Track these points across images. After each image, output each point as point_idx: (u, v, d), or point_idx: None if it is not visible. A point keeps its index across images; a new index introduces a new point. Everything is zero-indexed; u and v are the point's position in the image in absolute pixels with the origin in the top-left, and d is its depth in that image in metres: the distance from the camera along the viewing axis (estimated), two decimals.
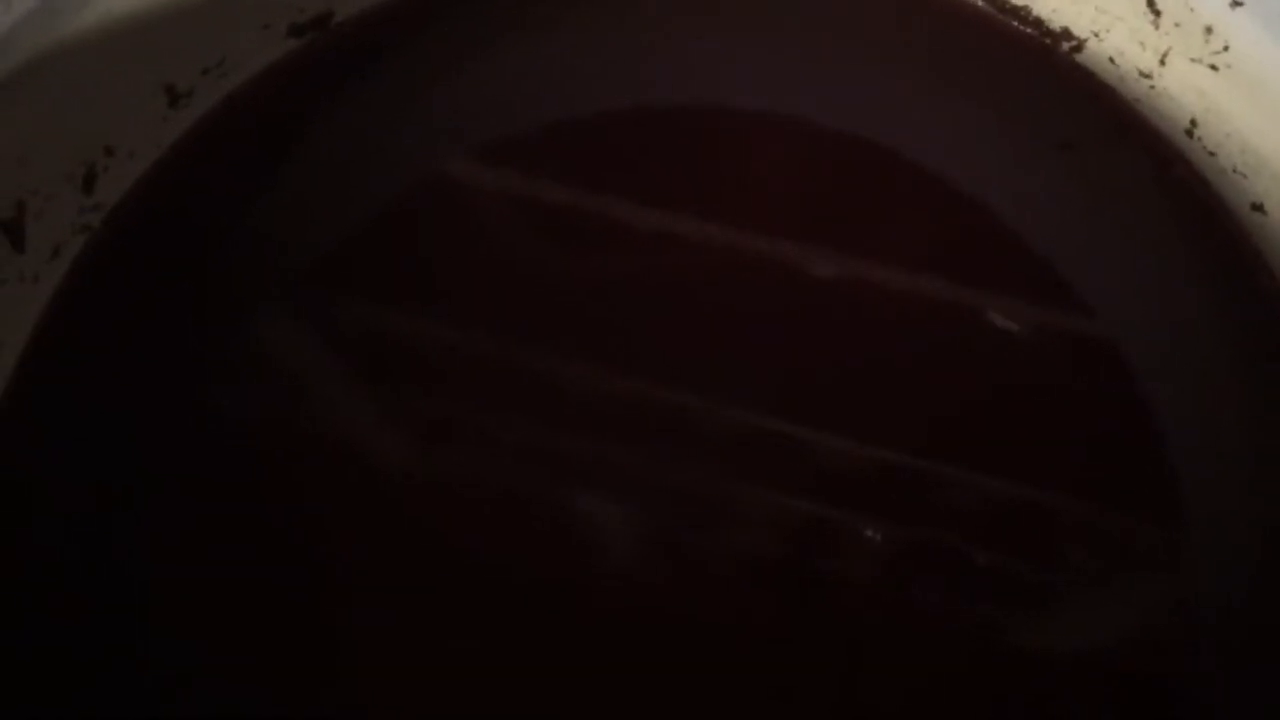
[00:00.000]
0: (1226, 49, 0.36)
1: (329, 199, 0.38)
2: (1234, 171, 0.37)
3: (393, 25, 0.38)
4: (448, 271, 0.37)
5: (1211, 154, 0.37)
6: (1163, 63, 0.38)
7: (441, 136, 0.38)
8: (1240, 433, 0.35)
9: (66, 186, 0.36)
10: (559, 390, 0.36)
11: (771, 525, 0.35)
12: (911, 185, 0.38)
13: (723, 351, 0.36)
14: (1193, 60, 0.37)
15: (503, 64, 0.39)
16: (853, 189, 0.38)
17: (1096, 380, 0.36)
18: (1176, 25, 0.37)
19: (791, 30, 0.39)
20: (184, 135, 0.37)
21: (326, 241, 0.37)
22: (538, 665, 0.33)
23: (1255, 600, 0.34)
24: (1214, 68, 0.37)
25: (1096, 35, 0.38)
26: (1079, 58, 0.39)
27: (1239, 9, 0.36)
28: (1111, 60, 0.38)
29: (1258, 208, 0.36)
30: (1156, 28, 0.37)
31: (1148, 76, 0.38)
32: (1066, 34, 0.39)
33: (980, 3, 0.39)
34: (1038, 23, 0.39)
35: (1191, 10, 0.36)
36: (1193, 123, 0.37)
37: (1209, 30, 0.36)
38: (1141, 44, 0.38)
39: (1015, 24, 0.39)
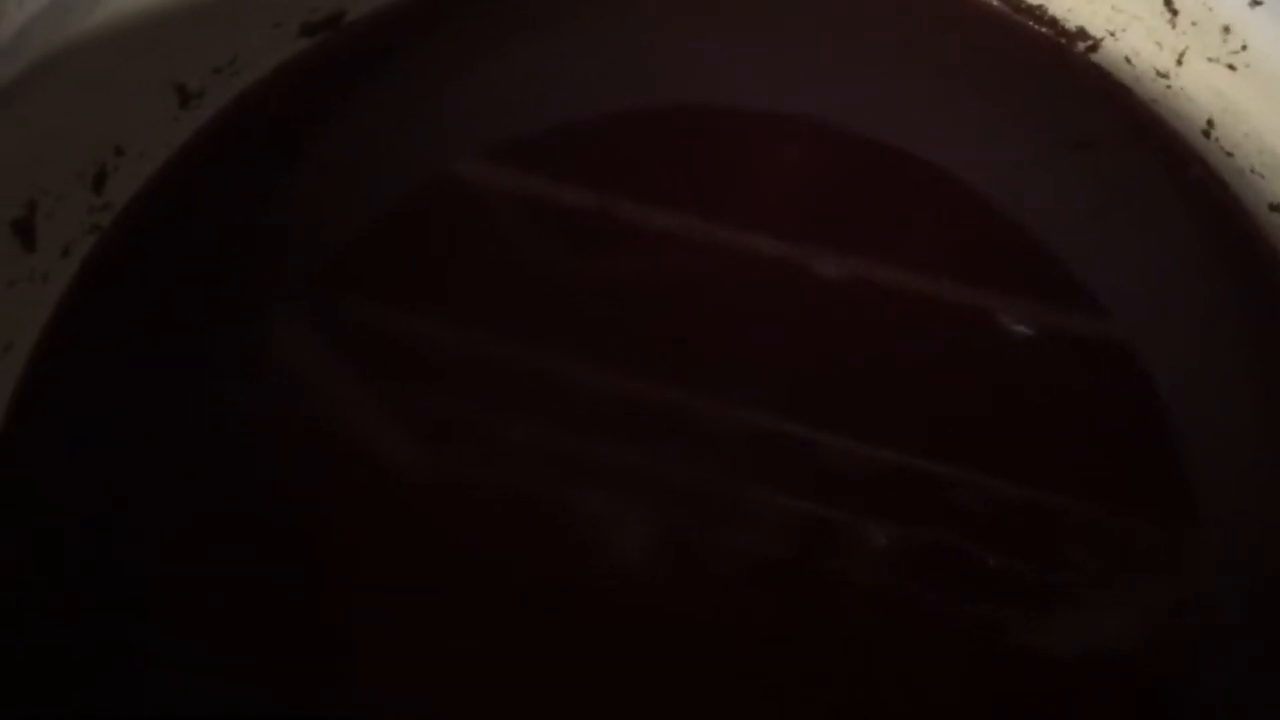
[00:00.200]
0: (1245, 48, 0.36)
1: (339, 199, 0.38)
2: (1252, 172, 0.36)
3: (404, 25, 0.38)
4: (456, 271, 0.37)
5: (1229, 154, 0.37)
6: (1180, 62, 0.37)
7: (451, 136, 0.38)
8: (1254, 434, 0.35)
9: (77, 186, 0.36)
10: (565, 390, 0.36)
11: (777, 525, 0.34)
12: (923, 185, 0.38)
13: (729, 352, 0.36)
14: (1210, 60, 0.36)
15: (513, 64, 0.39)
16: (863, 189, 0.38)
17: (1110, 382, 0.36)
18: (1194, 24, 0.36)
19: (801, 30, 0.39)
20: (195, 135, 0.37)
21: (336, 241, 0.37)
22: (540, 665, 0.33)
23: (1266, 603, 0.33)
24: (1232, 67, 0.36)
25: (1112, 34, 0.38)
26: (1094, 57, 0.38)
27: (1258, 8, 0.35)
28: (1127, 60, 0.38)
29: (1276, 208, 0.36)
30: (1173, 27, 0.37)
31: (1164, 76, 0.38)
32: (1082, 33, 0.38)
33: (995, 2, 0.39)
34: (1053, 22, 0.39)
35: (1209, 9, 0.36)
36: (1210, 123, 0.37)
37: (1227, 29, 0.36)
38: (1158, 43, 0.37)
39: (1030, 23, 0.39)
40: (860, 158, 0.38)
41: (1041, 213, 0.37)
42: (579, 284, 0.37)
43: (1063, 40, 0.39)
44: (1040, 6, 0.39)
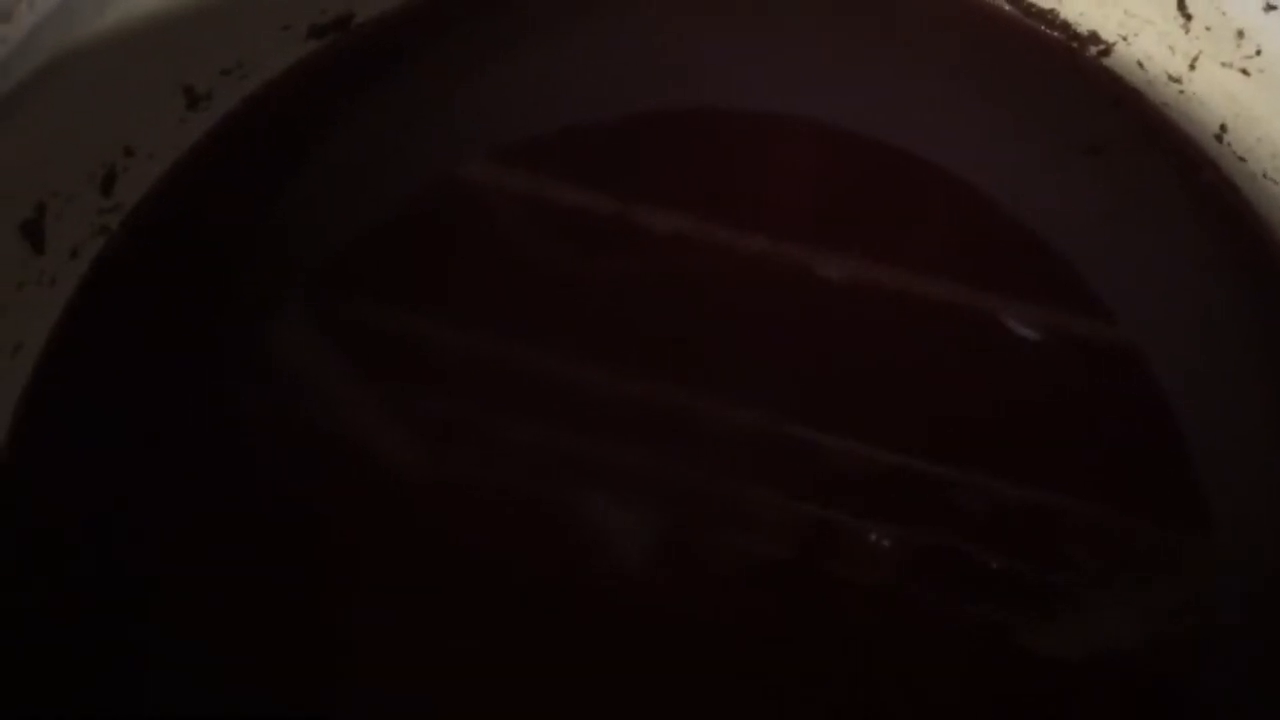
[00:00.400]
0: (1259, 53, 0.35)
1: (347, 200, 0.38)
2: (1264, 177, 0.36)
3: (412, 28, 0.38)
4: (461, 272, 0.37)
5: (1241, 159, 0.37)
6: (1192, 67, 0.37)
7: (458, 138, 0.38)
8: (1265, 438, 0.35)
9: (86, 187, 0.36)
10: (567, 391, 0.36)
11: (778, 526, 0.35)
12: (933, 188, 0.38)
13: (731, 352, 0.36)
14: (1223, 64, 0.36)
15: (521, 67, 0.39)
16: (874, 192, 0.38)
17: (1117, 385, 0.36)
18: (1207, 29, 0.36)
19: (811, 32, 0.39)
20: (203, 137, 0.37)
21: (344, 243, 0.38)
22: (540, 665, 0.33)
23: (1267, 603, 0.33)
24: (1245, 72, 0.36)
25: (1125, 39, 0.38)
26: (1107, 61, 0.38)
27: (1272, 13, 0.35)
28: (1140, 64, 0.38)
29: None
30: (1187, 31, 0.37)
31: (1177, 81, 0.37)
32: (1094, 38, 0.38)
33: (1006, 6, 0.38)
34: (1065, 26, 0.38)
35: (1223, 14, 0.36)
36: (1222, 128, 0.37)
37: (1240, 34, 0.36)
38: (1171, 48, 0.37)
39: (1042, 27, 0.38)
40: (870, 160, 0.38)
41: (1052, 216, 0.37)
42: (582, 285, 0.37)
43: (1075, 44, 0.38)
44: (1052, 10, 0.38)
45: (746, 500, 0.35)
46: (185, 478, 0.35)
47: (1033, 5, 0.38)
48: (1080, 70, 0.38)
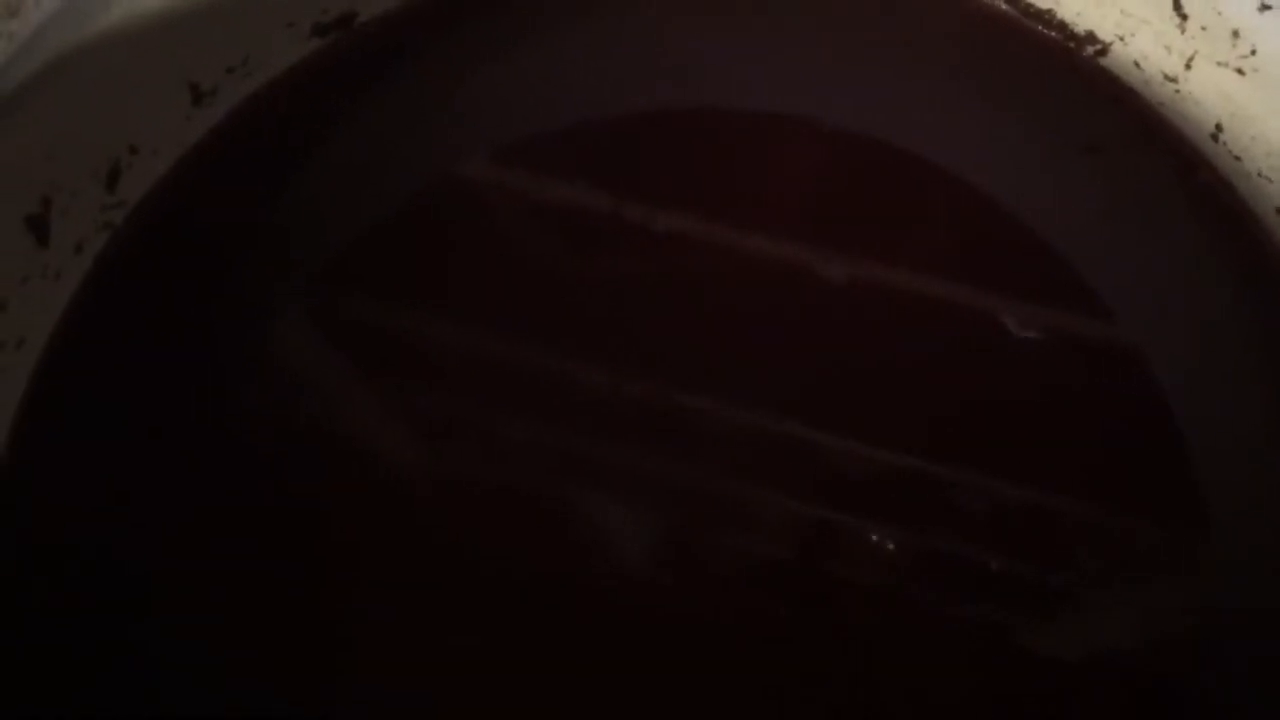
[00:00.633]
0: (1254, 53, 0.36)
1: (350, 198, 0.38)
2: (1259, 175, 0.36)
3: (414, 27, 0.38)
4: (464, 271, 0.37)
5: (1237, 158, 0.37)
6: (1188, 66, 0.37)
7: (459, 137, 0.39)
8: (1263, 437, 0.35)
9: (91, 183, 0.36)
10: (567, 389, 0.36)
11: (778, 526, 0.34)
12: (931, 189, 0.38)
13: (731, 352, 0.36)
14: (1219, 64, 0.36)
15: (521, 66, 0.39)
16: (872, 192, 0.38)
17: (1115, 384, 0.36)
18: (1203, 29, 0.36)
19: (809, 32, 0.39)
20: (207, 134, 0.37)
21: (346, 240, 0.38)
22: (539, 662, 0.33)
23: (1268, 604, 0.33)
24: (1240, 71, 0.36)
25: (1121, 39, 0.38)
26: (1103, 61, 0.38)
27: (1268, 12, 0.35)
28: (1136, 64, 0.38)
29: None
30: (1182, 31, 0.37)
31: (1173, 80, 0.38)
32: (1091, 37, 0.38)
33: (1004, 6, 0.39)
34: (1062, 26, 0.39)
35: (1219, 14, 0.36)
36: (1218, 127, 0.37)
37: (1236, 34, 0.36)
38: (1167, 48, 0.37)
39: (1039, 27, 0.39)
40: (868, 160, 0.38)
41: (1049, 216, 0.37)
42: (582, 284, 0.37)
43: (1071, 44, 0.39)
44: (1049, 11, 0.39)
45: (746, 500, 0.35)
46: (186, 474, 0.35)
47: (1030, 5, 0.39)
48: (1077, 70, 0.38)
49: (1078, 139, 0.38)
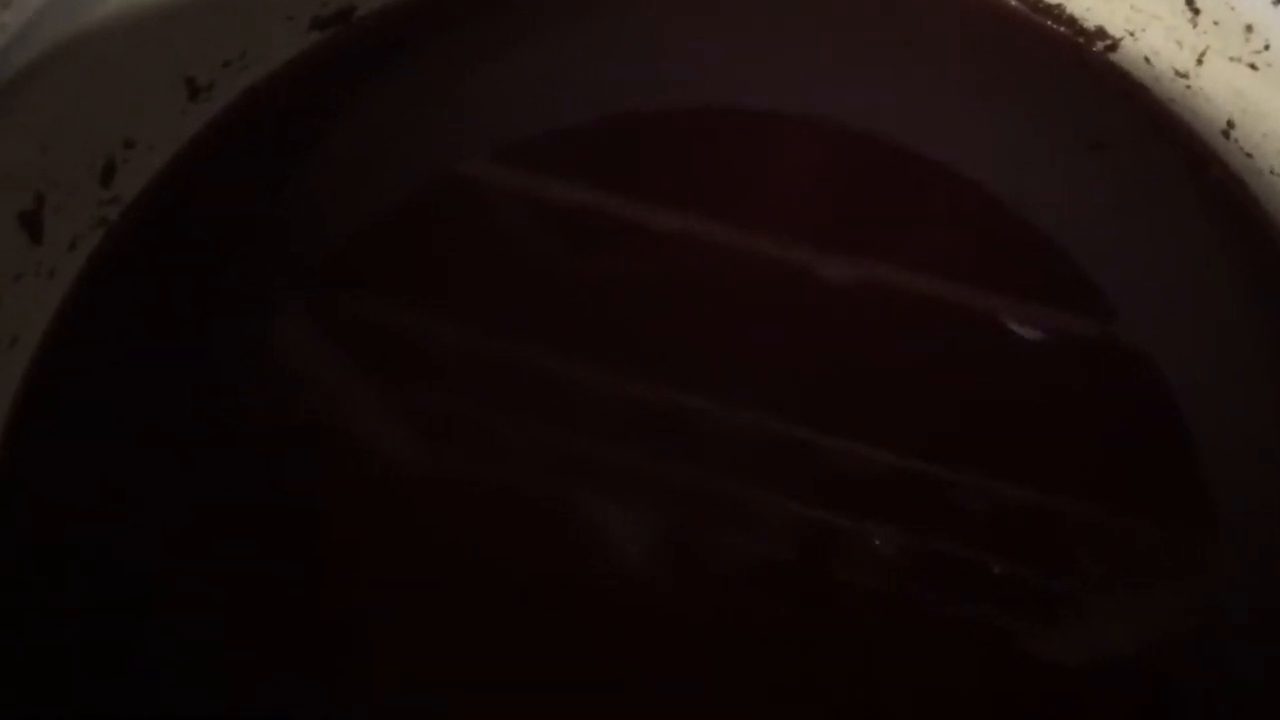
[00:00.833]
0: (1267, 48, 0.35)
1: (347, 194, 0.38)
2: (1272, 173, 0.36)
3: (414, 22, 0.38)
4: (462, 269, 0.37)
5: (1249, 155, 0.36)
6: (1200, 62, 0.37)
7: (460, 134, 0.38)
8: (1273, 437, 0.35)
9: (85, 178, 0.36)
10: (567, 389, 0.35)
11: (778, 527, 0.34)
12: (935, 187, 0.37)
13: (732, 352, 0.36)
14: (1231, 59, 0.36)
15: (522, 63, 0.38)
16: (877, 190, 0.38)
17: (1126, 385, 0.36)
18: (1215, 24, 0.36)
19: (813, 29, 0.39)
20: (204, 128, 0.37)
21: (344, 237, 0.37)
22: (539, 662, 0.33)
23: (1274, 606, 0.33)
24: (1253, 67, 0.36)
25: (1132, 34, 0.38)
26: (1113, 57, 0.38)
27: None
28: (1147, 59, 0.38)
29: None
30: (1194, 26, 0.36)
31: (1184, 76, 0.37)
32: (1101, 33, 0.38)
33: (1012, 1, 0.38)
34: (1071, 21, 0.38)
35: (1232, 8, 0.35)
36: (1230, 123, 0.36)
37: (1249, 29, 0.35)
38: (1178, 43, 0.37)
39: (1048, 22, 0.38)
40: (873, 158, 0.38)
41: (1058, 213, 0.37)
42: (582, 283, 0.37)
43: (1081, 39, 0.38)
44: (1058, 5, 0.38)
45: (746, 500, 0.35)
46: (184, 473, 0.35)
47: (1040, 1, 0.38)
48: (1086, 65, 0.38)
49: (1086, 135, 0.38)
